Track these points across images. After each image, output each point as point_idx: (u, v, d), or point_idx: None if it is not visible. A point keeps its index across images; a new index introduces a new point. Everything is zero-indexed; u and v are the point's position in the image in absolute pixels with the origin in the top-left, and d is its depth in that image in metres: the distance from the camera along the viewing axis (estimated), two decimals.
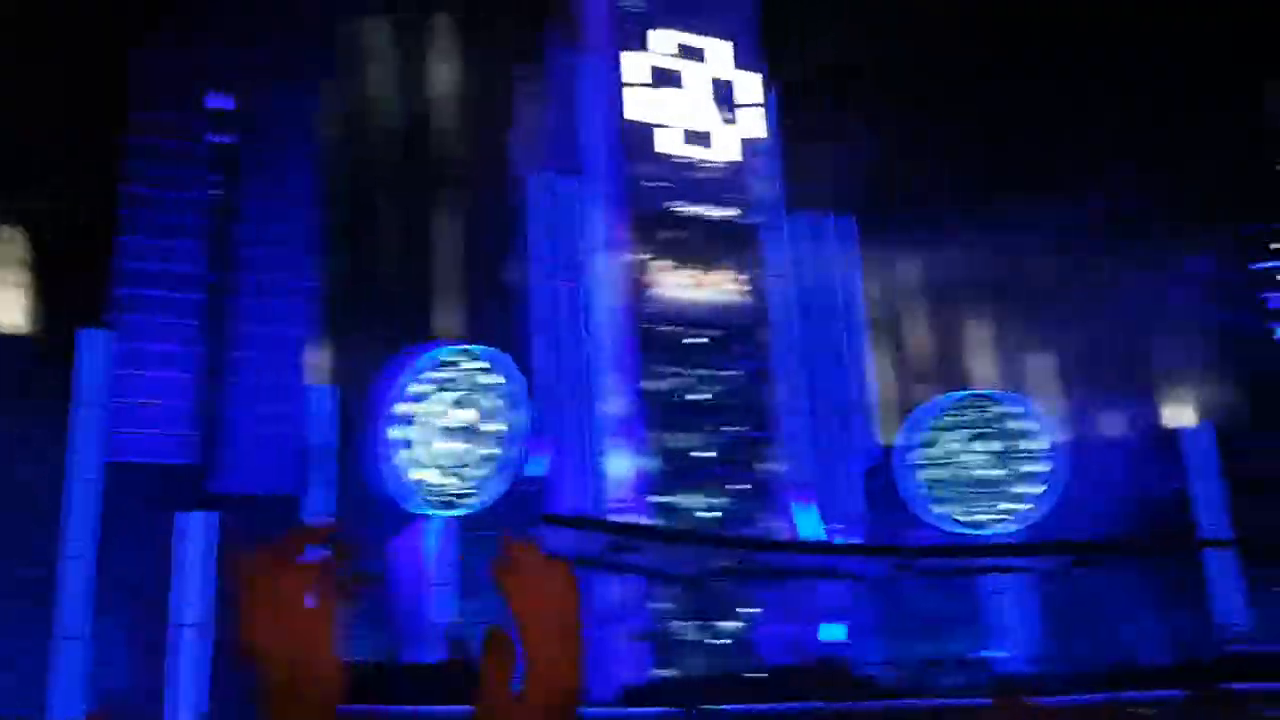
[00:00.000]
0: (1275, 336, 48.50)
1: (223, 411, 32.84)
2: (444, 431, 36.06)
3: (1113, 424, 47.34)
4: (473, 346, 36.97)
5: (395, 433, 35.32)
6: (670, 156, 40.04)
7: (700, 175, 40.35)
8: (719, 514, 38.81)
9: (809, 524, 38.73)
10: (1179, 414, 48.79)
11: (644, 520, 36.31)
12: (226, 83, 35.21)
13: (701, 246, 40.57)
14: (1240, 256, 49.38)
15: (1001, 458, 42.79)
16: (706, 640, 32.16)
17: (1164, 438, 45.65)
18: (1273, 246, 48.35)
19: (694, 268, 40.09)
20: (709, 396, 40.00)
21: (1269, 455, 44.34)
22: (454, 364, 36.56)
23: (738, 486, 39.47)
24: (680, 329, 40.03)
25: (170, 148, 33.82)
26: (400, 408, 35.43)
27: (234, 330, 33.58)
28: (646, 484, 37.59)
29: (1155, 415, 48.24)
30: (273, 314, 33.90)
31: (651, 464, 38.11)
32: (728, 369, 40.38)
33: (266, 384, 33.44)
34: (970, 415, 43.43)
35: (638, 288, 39.11)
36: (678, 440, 39.30)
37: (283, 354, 33.69)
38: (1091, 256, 46.58)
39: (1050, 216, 44.46)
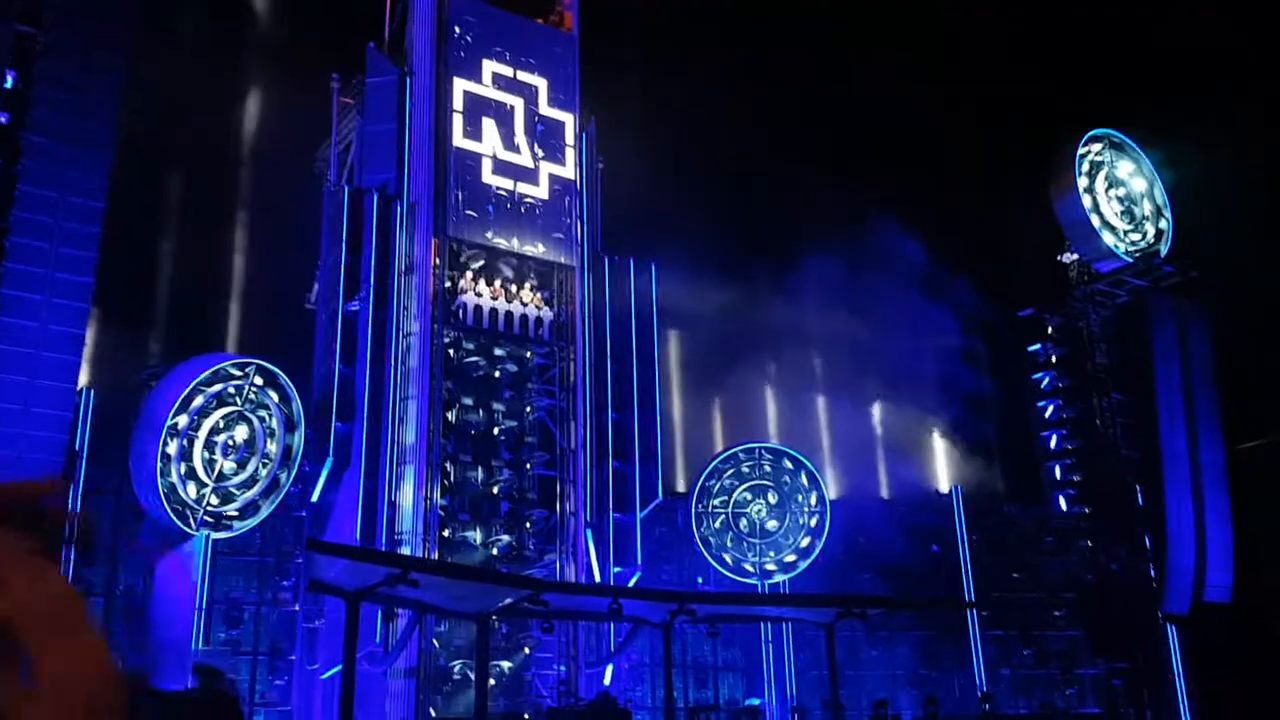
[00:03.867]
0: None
1: None
2: (217, 447, 34.28)
3: (884, 482, 49.77)
4: (255, 360, 35.33)
5: (165, 445, 33.31)
6: (490, 187, 39.82)
7: (513, 209, 40.24)
8: (506, 550, 38.49)
9: (594, 565, 38.84)
10: (942, 477, 51.77)
11: (429, 553, 35.58)
12: (13, 58, 32.72)
13: (509, 281, 40.47)
14: (1016, 336, 52.94)
15: (779, 509, 44.15)
16: (478, 678, 31.45)
17: (928, 500, 48.29)
18: (1049, 331, 52.02)
19: (500, 301, 39.82)
20: (505, 430, 39.77)
21: (1014, 522, 47.60)
22: (233, 377, 34.84)
23: (527, 524, 39.34)
24: (482, 360, 39.70)
25: None
26: (172, 419, 33.43)
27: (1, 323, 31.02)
28: (435, 516, 36.87)
29: (922, 476, 51.06)
30: (43, 310, 31.47)
31: (442, 496, 37.45)
32: (526, 404, 40.31)
33: (28, 383, 30.96)
34: (753, 466, 44.72)
35: (442, 315, 38.50)
36: (470, 473, 38.87)
37: (51, 352, 31.29)
38: (876, 317, 48.94)
39: (844, 276, 46.58)
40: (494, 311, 39.64)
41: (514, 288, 40.39)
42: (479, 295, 39.45)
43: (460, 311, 39.10)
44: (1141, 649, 46.80)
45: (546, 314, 40.79)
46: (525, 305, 40.32)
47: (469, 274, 39.61)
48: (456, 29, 40.51)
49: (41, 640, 1.29)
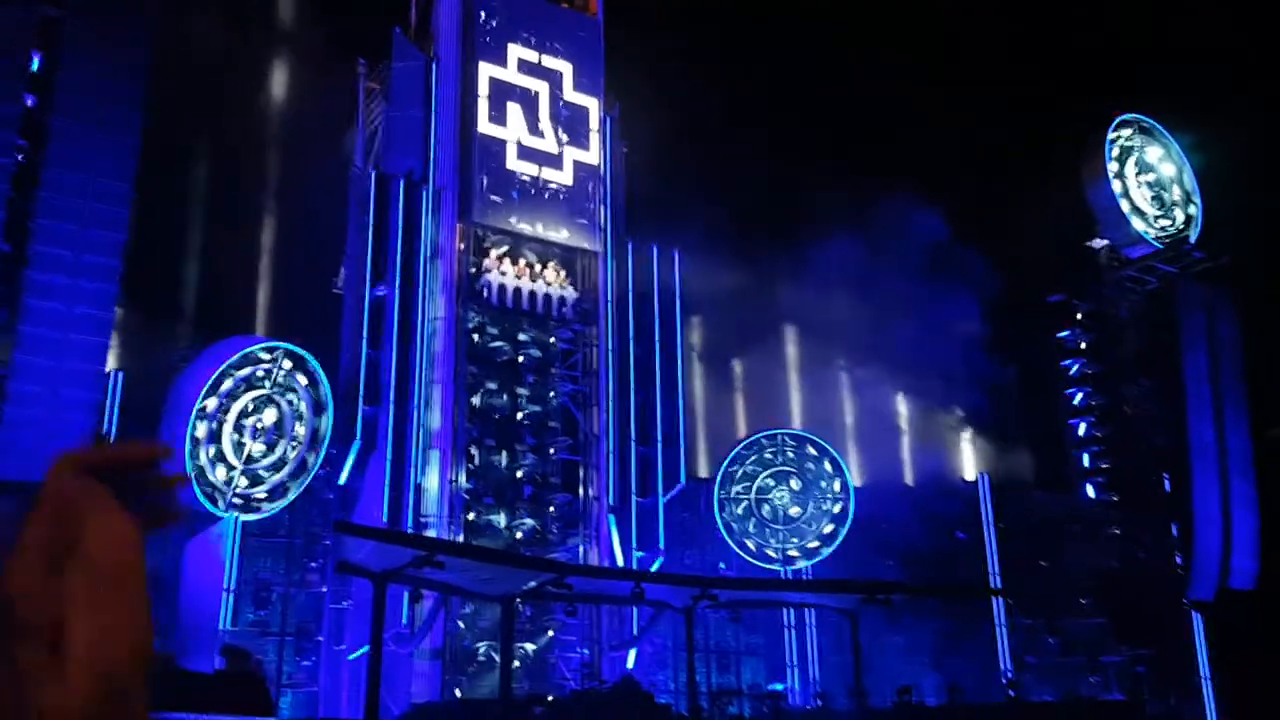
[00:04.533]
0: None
1: (8, 389, 30.49)
2: (246, 430, 34.51)
3: (909, 469, 49.65)
4: (284, 344, 35.52)
5: (194, 428, 33.54)
6: (514, 173, 39.85)
7: (537, 195, 40.26)
8: (530, 534, 38.64)
9: (616, 549, 38.96)
10: (967, 465, 51.53)
11: (454, 537, 35.77)
12: (39, 41, 32.93)
13: (534, 265, 40.53)
14: (1045, 322, 52.63)
15: (802, 495, 44.11)
16: (502, 660, 31.60)
17: (952, 488, 48.13)
18: (1078, 317, 51.68)
19: (524, 280, 39.92)
20: (529, 415, 39.86)
21: (1041, 509, 47.39)
22: (262, 361, 35.04)
23: (550, 508, 39.46)
24: (506, 345, 39.78)
25: None
26: (202, 402, 33.65)
27: (27, 305, 31.27)
28: (460, 499, 37.04)
29: (947, 463, 50.85)
30: (70, 293, 31.71)
31: (467, 480, 37.62)
32: (550, 389, 40.38)
33: (56, 366, 31.23)
34: (776, 452, 44.68)
35: (467, 300, 38.61)
36: (494, 457, 39.00)
37: (79, 334, 31.55)
38: (899, 302, 48.73)
39: (866, 262, 46.40)
40: (518, 290, 39.74)
41: (538, 267, 40.48)
42: (503, 274, 39.54)
43: (485, 290, 39.20)
44: (1166, 636, 46.57)
45: (570, 293, 40.85)
46: (549, 284, 40.39)
47: (493, 254, 39.69)
48: (482, 14, 40.50)
49: (87, 612, 1.22)
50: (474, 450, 38.37)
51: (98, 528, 1.28)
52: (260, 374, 34.86)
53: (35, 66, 32.60)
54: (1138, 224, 50.95)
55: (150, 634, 1.26)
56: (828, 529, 43.64)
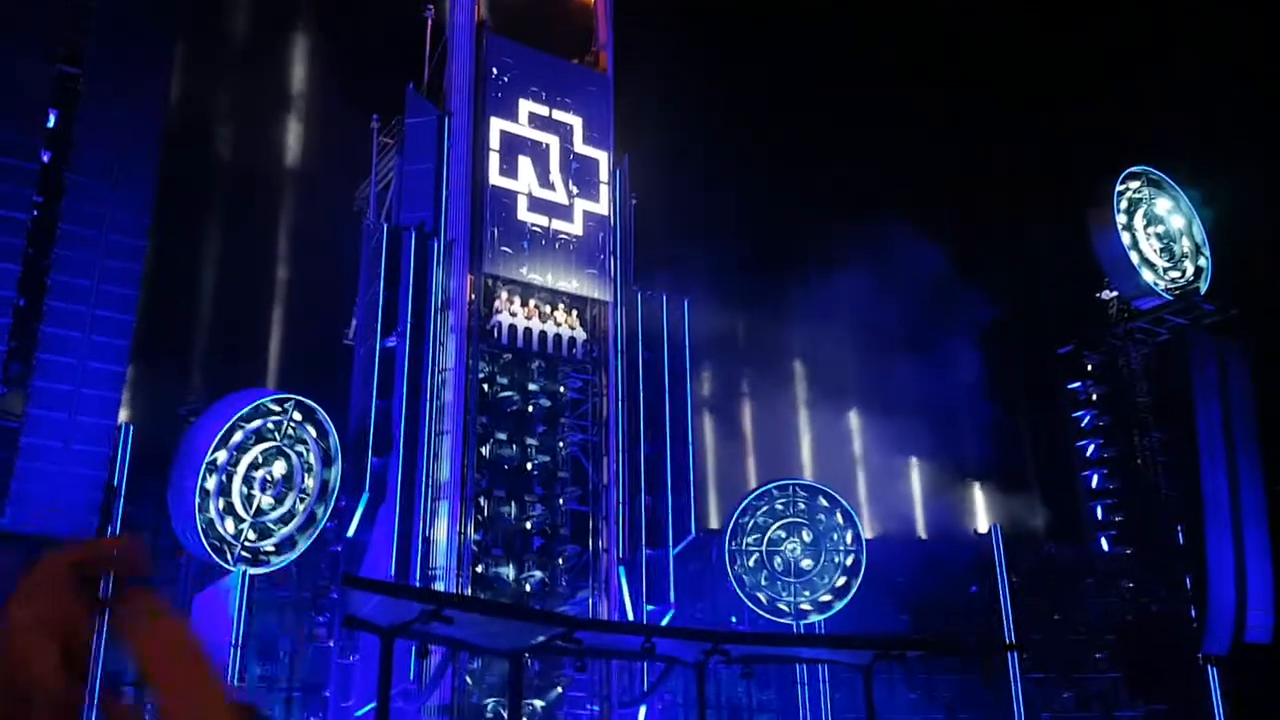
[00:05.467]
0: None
1: (20, 443, 30.55)
2: (255, 482, 34.47)
3: (921, 521, 49.37)
4: (294, 396, 35.56)
5: (204, 480, 33.51)
6: (525, 224, 40.09)
7: (548, 245, 40.46)
8: (539, 586, 38.39)
9: (627, 602, 38.67)
10: (980, 517, 51.23)
11: (462, 589, 35.56)
12: (55, 98, 33.33)
13: (543, 307, 40.60)
14: (1056, 373, 52.56)
15: (814, 547, 43.83)
16: (510, 716, 31.33)
17: (965, 540, 47.89)
18: (1089, 368, 51.63)
19: (534, 320, 40.02)
20: (538, 465, 39.76)
21: (1054, 562, 47.03)
22: (272, 413, 35.07)
23: (560, 560, 39.25)
24: (516, 395, 39.79)
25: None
26: (212, 454, 33.65)
27: (40, 360, 31.41)
28: (469, 551, 36.88)
29: (960, 516, 50.59)
30: (83, 347, 31.84)
31: (475, 531, 37.48)
32: (559, 439, 40.31)
33: (69, 419, 31.30)
34: (787, 503, 44.46)
35: (477, 348, 38.68)
36: (504, 508, 38.85)
37: (91, 389, 31.64)
38: (909, 353, 48.70)
39: (876, 311, 46.46)
40: (528, 331, 39.81)
41: (548, 309, 40.58)
42: (513, 315, 39.64)
43: (495, 331, 39.31)
44: (1181, 690, 46.04)
45: (580, 334, 40.92)
46: (559, 325, 40.48)
47: (505, 310, 39.76)
48: (494, 70, 40.92)
49: (168, 687, 1.39)
50: (483, 501, 38.25)
51: (138, 631, 1.39)
52: (270, 426, 34.88)
53: (51, 123, 32.97)
54: (1147, 275, 50.97)
55: (228, 696, 1.39)
56: (840, 581, 43.30)
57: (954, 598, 43.35)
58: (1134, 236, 51.50)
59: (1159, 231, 52.86)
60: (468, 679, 35.92)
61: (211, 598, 33.88)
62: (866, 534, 44.66)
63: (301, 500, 35.23)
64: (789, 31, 60.01)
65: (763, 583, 43.35)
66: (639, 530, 39.84)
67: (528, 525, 39.07)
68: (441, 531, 36.36)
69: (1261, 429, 49.41)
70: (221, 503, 33.76)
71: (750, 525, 43.98)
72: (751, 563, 43.48)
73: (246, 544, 34.06)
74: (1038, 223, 54.19)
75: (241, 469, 34.26)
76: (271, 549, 34.76)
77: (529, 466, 39.70)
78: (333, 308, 41.72)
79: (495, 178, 39.96)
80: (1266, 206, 50.30)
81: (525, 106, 41.29)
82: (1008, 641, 43.20)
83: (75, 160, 32.56)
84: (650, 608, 38.92)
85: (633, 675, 37.89)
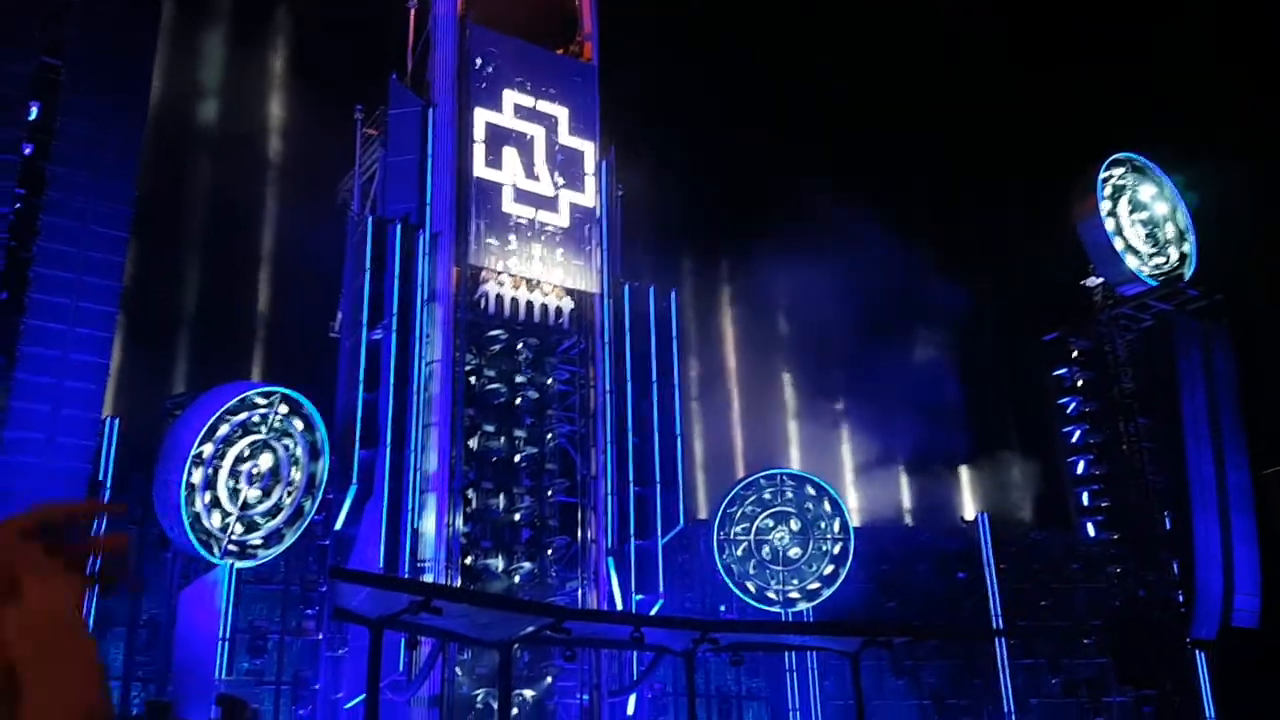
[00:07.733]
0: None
1: (3, 436, 30.37)
2: (242, 476, 34.35)
3: (908, 508, 49.50)
4: (279, 389, 35.44)
5: (190, 474, 33.38)
6: (511, 216, 39.98)
7: (534, 237, 40.35)
8: (529, 577, 38.37)
9: (616, 592, 38.68)
10: (966, 504, 51.39)
11: (451, 581, 35.51)
12: (36, 90, 33.09)
13: (531, 307, 40.46)
14: (1039, 358, 52.73)
15: (802, 536, 43.88)
16: (500, 707, 31.31)
17: (952, 527, 48.03)
18: (1074, 355, 51.75)
19: (521, 290, 39.95)
20: (526, 457, 39.71)
21: (1041, 548, 47.19)
22: (258, 406, 34.95)
23: (549, 551, 39.22)
24: (503, 387, 39.71)
25: None
26: (198, 448, 33.52)
27: (23, 353, 31.21)
28: (458, 543, 36.83)
29: (947, 503, 50.74)
30: (67, 339, 31.66)
31: (464, 523, 37.42)
32: (547, 431, 40.26)
33: (53, 412, 31.12)
34: (775, 492, 44.51)
35: (464, 344, 38.58)
36: (492, 500, 38.81)
37: (75, 381, 31.47)
38: (895, 341, 48.80)
39: (859, 301, 46.51)
40: (515, 301, 39.70)
41: (534, 315, 40.41)
42: (500, 284, 39.52)
43: (482, 301, 39.22)
44: (1169, 675, 46.25)
45: (568, 303, 40.84)
46: (546, 295, 40.37)
47: (491, 302, 39.64)
48: (478, 60, 40.75)
49: (35, 667, 1.24)
50: (471, 494, 38.19)
51: (33, 586, 1.27)
52: (256, 419, 34.75)
53: (33, 115, 32.75)
54: (1131, 262, 51.10)
55: (101, 698, 1.24)
56: (828, 570, 43.39)
57: (941, 585, 43.47)
58: (1118, 223, 51.63)
59: (1143, 218, 53.00)
60: (457, 670, 35.89)
61: (198, 591, 33.76)
62: (854, 522, 44.73)
63: (289, 493, 35.13)
64: (773, 21, 59.98)
65: (751, 571, 43.43)
66: (628, 520, 39.83)
67: (516, 517, 39.05)
68: (430, 524, 36.29)
69: (1246, 413, 49.63)
70: (208, 496, 33.65)
71: (738, 515, 44.05)
72: (740, 552, 43.55)
73: (233, 537, 33.94)
74: (1021, 209, 54.32)
75: (228, 462, 34.13)
76: (259, 542, 34.66)
77: (517, 459, 39.64)
78: (318, 300, 41.61)
79: (480, 169, 39.82)
80: (1250, 192, 50.51)
81: (510, 97, 41.15)
82: (994, 628, 43.35)
83: (57, 152, 32.35)
84: (639, 597, 38.93)
85: (622, 664, 37.90)
